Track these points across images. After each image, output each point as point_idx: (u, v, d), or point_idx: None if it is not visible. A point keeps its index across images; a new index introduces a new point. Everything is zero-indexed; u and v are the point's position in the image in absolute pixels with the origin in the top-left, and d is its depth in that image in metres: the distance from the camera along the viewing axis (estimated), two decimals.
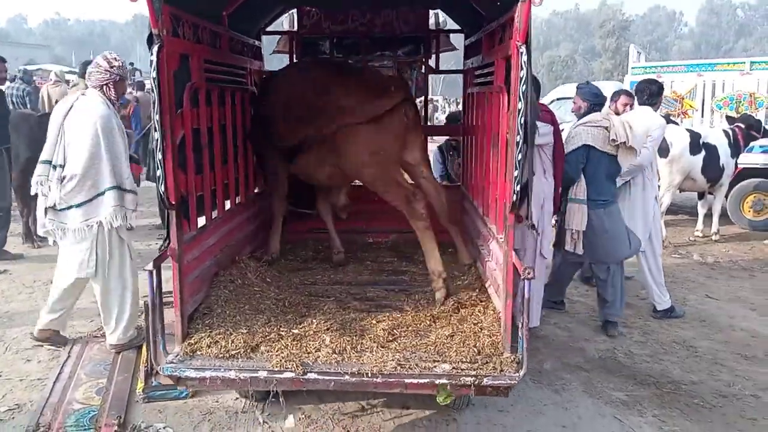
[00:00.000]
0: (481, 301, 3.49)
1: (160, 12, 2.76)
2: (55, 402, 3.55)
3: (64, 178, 3.91)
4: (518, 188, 2.70)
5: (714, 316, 5.34)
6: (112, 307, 4.16)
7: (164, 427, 3.39)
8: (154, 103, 2.77)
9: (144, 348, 3.80)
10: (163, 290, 2.93)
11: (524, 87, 2.61)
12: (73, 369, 3.96)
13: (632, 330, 4.99)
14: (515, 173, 2.69)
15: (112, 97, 4.08)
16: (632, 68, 10.03)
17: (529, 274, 2.67)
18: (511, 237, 2.87)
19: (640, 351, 4.59)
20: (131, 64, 13.44)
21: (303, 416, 3.54)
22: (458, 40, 5.37)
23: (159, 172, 2.84)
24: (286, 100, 4.10)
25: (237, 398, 3.70)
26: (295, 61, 5.32)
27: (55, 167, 3.93)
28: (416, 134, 4.10)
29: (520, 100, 2.63)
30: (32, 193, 4.03)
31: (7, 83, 11.25)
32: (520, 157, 2.66)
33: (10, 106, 10.10)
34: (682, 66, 10.10)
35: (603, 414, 3.70)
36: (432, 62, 5.46)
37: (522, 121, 2.64)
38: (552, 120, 4.43)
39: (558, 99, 10.59)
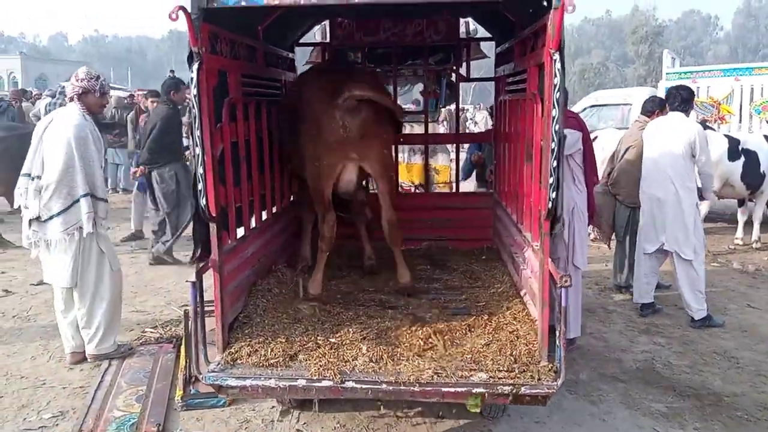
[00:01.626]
0: (517, 310, 3.48)
1: (199, 30, 2.83)
2: (96, 409, 3.63)
3: (41, 188, 4.02)
4: (554, 195, 2.70)
5: (756, 326, 5.20)
6: (89, 317, 4.22)
7: None
8: (194, 118, 2.84)
9: (182, 356, 3.88)
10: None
11: (558, 94, 2.62)
12: (114, 377, 4.05)
13: (671, 340, 4.89)
14: (550, 180, 2.69)
15: (83, 109, 4.16)
16: (667, 74, 9.90)
17: (566, 282, 2.66)
18: (547, 245, 2.86)
19: (679, 362, 4.50)
20: (171, 71, 13.80)
21: (338, 425, 3.56)
22: (489, 48, 5.37)
23: (200, 186, 2.90)
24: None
25: (273, 407, 3.74)
26: None
27: (33, 178, 4.05)
28: (368, 145, 3.82)
29: (554, 107, 2.64)
30: (14, 206, 4.08)
31: (48, 99, 11.71)
32: (555, 164, 2.67)
33: None
34: (719, 70, 9.93)
35: (641, 426, 3.63)
36: (463, 70, 5.47)
37: (556, 128, 2.65)
38: (580, 126, 4.39)
39: (591, 106, 10.49)
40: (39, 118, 11.04)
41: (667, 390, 4.06)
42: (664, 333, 5.04)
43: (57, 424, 3.55)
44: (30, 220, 4.05)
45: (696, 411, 3.80)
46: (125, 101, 11.94)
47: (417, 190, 6.52)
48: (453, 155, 5.65)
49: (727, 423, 3.66)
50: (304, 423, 3.58)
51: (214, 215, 3.01)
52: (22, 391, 3.94)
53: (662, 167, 5.11)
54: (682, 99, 5.19)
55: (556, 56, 2.61)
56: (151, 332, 4.88)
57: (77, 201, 4.05)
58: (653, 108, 5.68)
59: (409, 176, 6.43)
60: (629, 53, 62.88)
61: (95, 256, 4.18)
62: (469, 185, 6.53)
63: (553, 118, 2.64)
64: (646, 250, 5.29)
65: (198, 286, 2.93)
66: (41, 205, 4.02)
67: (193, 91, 2.80)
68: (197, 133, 2.84)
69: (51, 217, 4.03)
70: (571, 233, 4.38)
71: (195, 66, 2.80)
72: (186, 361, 3.80)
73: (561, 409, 3.79)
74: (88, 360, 4.30)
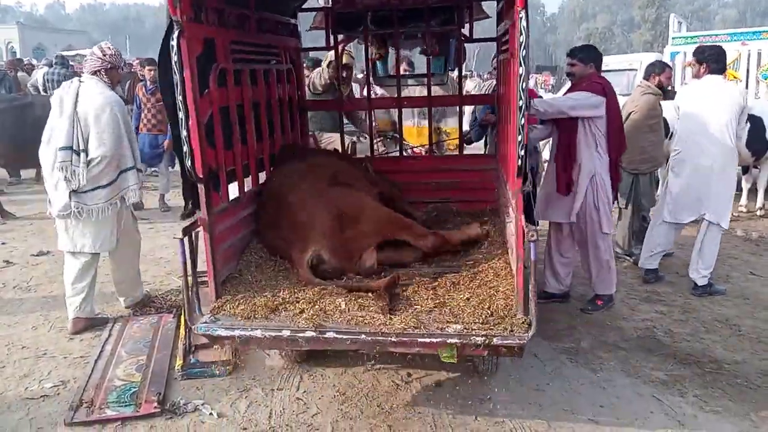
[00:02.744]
0: (500, 267, 3.52)
1: (179, 0, 2.87)
2: (97, 379, 3.65)
3: (90, 161, 4.12)
4: (522, 153, 2.77)
5: (758, 293, 5.18)
6: (125, 274, 4.63)
7: (202, 404, 3.45)
8: (176, 85, 2.86)
9: (182, 326, 3.88)
10: None
11: (524, 52, 2.66)
12: (114, 347, 4.06)
13: (672, 308, 4.88)
14: (518, 138, 2.75)
15: (108, 83, 4.31)
16: (673, 38, 9.74)
17: (532, 236, 2.73)
18: (520, 202, 2.92)
19: (681, 329, 4.49)
20: None
21: (337, 393, 3.57)
22: (492, 8, 5.23)
23: (185, 149, 2.96)
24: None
25: (273, 376, 3.76)
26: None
27: (78, 153, 4.11)
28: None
29: (520, 65, 2.69)
30: (51, 180, 4.19)
31: (45, 68, 11.56)
32: (522, 122, 2.72)
33: (47, 92, 10.37)
34: (726, 35, 9.74)
35: (641, 393, 3.63)
36: (466, 32, 5.33)
37: (523, 87, 2.70)
38: (604, 91, 4.34)
39: None
40: (36, 88, 10.97)
41: (667, 358, 4.06)
42: (665, 301, 5.03)
43: (58, 393, 3.57)
44: (70, 192, 4.12)
45: (696, 378, 3.80)
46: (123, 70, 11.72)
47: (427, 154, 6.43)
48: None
49: (728, 390, 3.66)
50: (304, 391, 3.59)
51: (201, 176, 3.09)
52: (23, 360, 3.95)
53: (709, 134, 4.92)
54: (716, 60, 5.00)
55: (522, 14, 2.66)
56: (152, 303, 4.88)
57: (124, 172, 4.29)
58: (652, 71, 5.59)
59: (419, 140, 6.33)
60: (636, 18, 62.01)
61: (130, 221, 4.56)
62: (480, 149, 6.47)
63: (519, 76, 2.70)
64: (681, 220, 5.16)
65: (188, 243, 3.06)
66: (88, 177, 4.12)
67: (174, 58, 2.85)
68: (179, 98, 2.91)
69: (95, 188, 4.17)
70: (595, 200, 4.44)
71: (175, 34, 2.85)
72: (185, 331, 3.81)
73: (561, 377, 3.80)
74: (129, 309, 4.71)
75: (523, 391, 3.62)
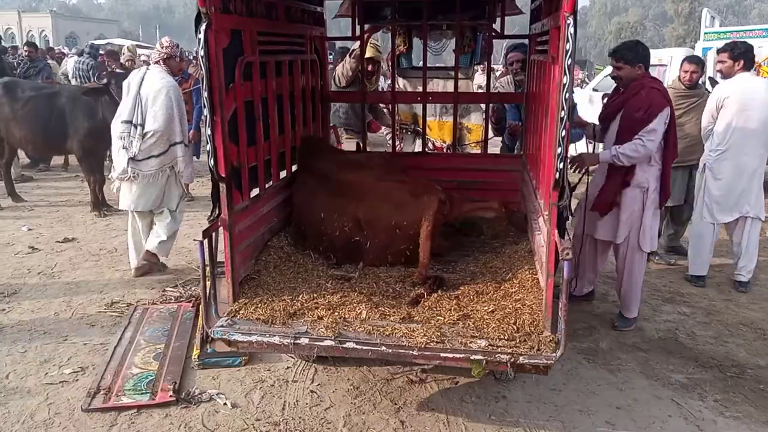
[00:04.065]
0: (526, 278, 3.40)
1: None
2: (115, 366, 3.70)
3: (146, 134, 4.88)
4: (560, 165, 2.62)
5: None
6: (167, 229, 5.20)
7: (217, 394, 3.48)
8: (202, 80, 2.81)
9: (200, 315, 3.91)
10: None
11: (569, 60, 2.51)
12: (134, 335, 4.11)
13: (696, 310, 4.78)
14: (558, 150, 2.61)
15: (167, 70, 5.11)
16: (705, 33, 9.49)
17: (567, 254, 2.60)
18: (554, 215, 2.78)
19: (704, 332, 4.40)
20: None
21: (351, 387, 3.56)
22: (525, 2, 5.13)
23: (208, 147, 2.89)
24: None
25: (288, 367, 3.77)
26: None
27: (135, 126, 4.89)
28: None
29: (565, 74, 2.54)
30: (115, 147, 5.01)
31: (75, 57, 11.72)
32: (563, 133, 2.58)
33: (76, 81, 10.52)
34: (761, 30, 9.47)
35: (660, 396, 3.57)
36: (497, 27, 5.24)
37: (566, 96, 2.55)
38: (665, 98, 4.01)
39: None
40: (67, 77, 11.14)
41: (688, 360, 3.98)
42: (689, 302, 4.93)
43: (77, 380, 3.62)
44: (128, 159, 4.90)
45: (718, 382, 3.72)
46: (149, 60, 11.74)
47: (448, 150, 6.36)
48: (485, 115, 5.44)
49: (749, 396, 3.57)
50: (318, 384, 3.60)
51: (223, 175, 3.01)
52: (44, 346, 4.02)
53: (752, 132, 4.86)
54: (750, 56, 4.94)
55: (570, 20, 2.50)
56: (172, 291, 4.93)
57: (173, 146, 5.00)
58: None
59: (440, 134, 6.27)
60: (668, 12, 60.70)
61: (175, 185, 5.21)
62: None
63: (563, 85, 2.55)
64: (721, 220, 5.11)
65: (208, 245, 2.98)
66: (142, 147, 4.89)
67: (201, 52, 2.76)
68: (205, 94, 2.82)
69: (149, 157, 4.94)
70: (640, 215, 4.15)
71: (202, 27, 2.78)
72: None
73: (578, 378, 3.74)
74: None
75: (539, 390, 3.58)
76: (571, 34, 2.48)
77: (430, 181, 4.03)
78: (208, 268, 3.00)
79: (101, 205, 7.30)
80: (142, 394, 3.42)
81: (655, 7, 70.30)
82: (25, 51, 9.97)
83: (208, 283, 3.04)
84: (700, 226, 5.25)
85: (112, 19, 75.15)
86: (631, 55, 4.07)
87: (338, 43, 8.23)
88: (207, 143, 2.94)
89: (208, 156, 2.96)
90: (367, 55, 5.47)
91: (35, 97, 7.24)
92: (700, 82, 5.72)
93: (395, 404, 3.41)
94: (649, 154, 4.00)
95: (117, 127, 4.99)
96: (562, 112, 2.56)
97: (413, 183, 3.95)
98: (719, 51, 5.14)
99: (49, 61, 11.75)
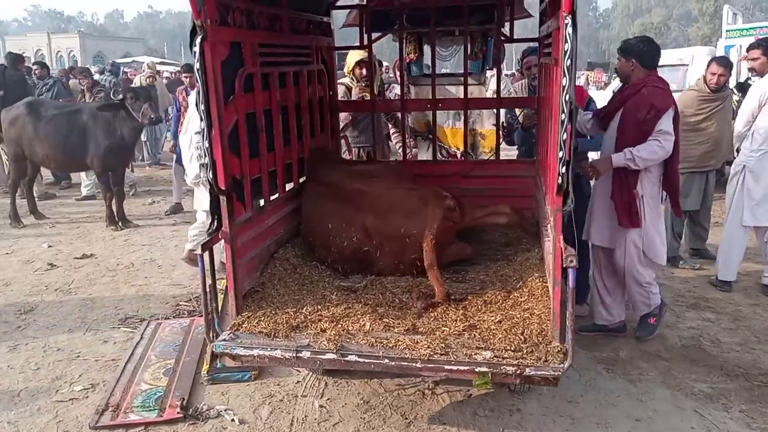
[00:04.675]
0: (536, 286, 3.28)
1: (202, 3, 2.77)
2: (125, 382, 3.68)
3: None
4: (563, 170, 2.52)
5: None
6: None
7: (225, 410, 3.44)
8: (198, 93, 2.78)
9: None
10: None
11: (568, 62, 2.42)
12: (145, 350, 4.10)
13: (721, 316, 4.61)
14: (560, 154, 2.51)
15: None
16: (727, 31, 9.27)
17: (571, 262, 2.50)
18: (559, 221, 2.67)
19: (729, 339, 4.23)
20: None
21: (361, 401, 3.49)
22: (535, 7, 5.04)
23: (206, 160, 2.87)
24: None
25: (298, 382, 3.72)
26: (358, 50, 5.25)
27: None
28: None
29: (564, 75, 2.45)
30: (187, 156, 5.36)
31: (97, 75, 11.94)
32: (565, 136, 2.48)
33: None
34: None
35: (682, 407, 3.42)
36: (506, 31, 5.15)
37: (566, 98, 2.46)
38: (671, 100, 3.82)
39: None
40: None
41: (713, 369, 3.82)
42: (714, 308, 4.76)
43: (87, 396, 3.62)
44: (200, 165, 5.10)
45: (743, 392, 3.56)
46: (173, 77, 11.94)
47: (461, 157, 6.27)
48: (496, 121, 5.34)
49: None
50: (328, 399, 3.54)
51: (223, 188, 2.98)
52: (57, 363, 4.03)
53: None
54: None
55: (568, 20, 2.40)
56: (185, 305, 4.93)
57: None
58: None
59: (453, 141, 6.18)
60: (693, 11, 59.82)
61: None
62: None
63: (563, 87, 2.46)
64: (763, 223, 4.95)
65: (209, 258, 2.95)
66: None
67: (196, 65, 2.73)
68: (201, 107, 2.78)
69: None
70: (644, 224, 3.93)
71: (198, 39, 2.75)
72: None
73: (596, 389, 3.62)
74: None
75: (555, 403, 3.47)
76: (569, 34, 2.39)
77: (440, 188, 3.95)
78: (209, 282, 2.96)
79: (119, 219, 7.37)
80: (150, 410, 3.39)
81: (679, 7, 69.31)
82: (36, 70, 10.16)
83: (210, 298, 3.00)
84: (733, 230, 5.08)
85: (138, 37, 76.70)
86: (637, 48, 3.90)
87: (387, 56, 8.16)
88: (205, 156, 2.90)
89: (207, 169, 2.93)
90: (357, 58, 5.43)
91: (57, 115, 7.36)
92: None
93: (406, 419, 3.33)
94: (665, 157, 3.83)
95: (185, 140, 5.41)
96: (563, 115, 2.47)
97: (423, 191, 3.88)
98: (749, 48, 4.98)
99: (71, 81, 11.99)
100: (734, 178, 5.06)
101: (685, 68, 9.35)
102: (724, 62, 5.38)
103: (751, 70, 5.06)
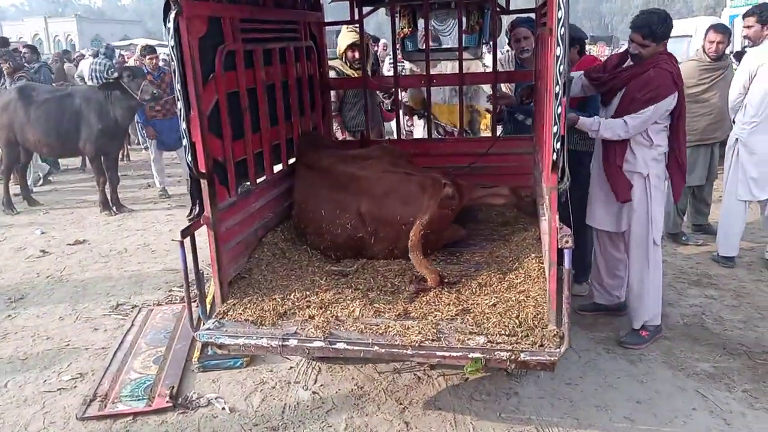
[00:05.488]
0: (532, 267, 3.17)
1: None
2: (114, 371, 3.61)
3: None
4: (558, 146, 2.39)
5: None
6: None
7: (216, 398, 3.36)
8: (174, 72, 2.65)
9: None
10: None
11: (562, 30, 2.28)
12: (135, 338, 4.02)
13: (725, 293, 4.51)
14: (554, 129, 2.38)
15: None
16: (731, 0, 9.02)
17: (567, 242, 2.39)
18: (554, 199, 2.55)
19: (732, 316, 4.13)
20: None
21: (356, 387, 3.41)
22: None
23: (185, 142, 2.74)
24: None
25: (291, 367, 3.64)
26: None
27: None
28: None
29: (558, 44, 2.31)
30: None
31: (91, 59, 11.74)
32: (559, 110, 2.35)
33: (92, 81, 10.52)
34: None
35: (684, 388, 3.34)
36: (502, 3, 4.96)
37: (560, 69, 2.32)
38: (675, 82, 3.51)
39: None
40: (83, 79, 11.18)
41: (715, 348, 3.73)
42: (717, 284, 4.66)
43: (75, 386, 3.54)
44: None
45: (746, 371, 3.47)
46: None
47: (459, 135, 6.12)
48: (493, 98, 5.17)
49: None
50: (321, 385, 3.46)
51: (203, 171, 2.86)
52: (46, 351, 3.96)
53: None
54: None
55: None
56: (178, 291, 4.84)
57: None
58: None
59: (450, 119, 6.02)
60: None
61: None
62: None
63: (557, 57, 2.32)
64: (760, 197, 4.84)
65: (191, 245, 2.84)
66: None
67: (171, 42, 2.59)
68: (177, 86, 2.65)
69: None
70: (648, 207, 3.68)
71: (171, 14, 2.60)
72: None
73: (596, 369, 3.54)
74: None
75: (553, 385, 3.38)
76: (562, 1, 2.25)
77: (437, 171, 3.81)
78: (191, 269, 2.86)
79: (112, 204, 7.28)
80: (138, 400, 3.32)
81: None
82: (25, 53, 9.95)
83: (192, 286, 2.91)
84: (731, 205, 4.94)
85: (136, 19, 75.99)
86: (660, 30, 3.48)
87: (381, 32, 7.93)
88: (184, 138, 2.78)
89: (186, 152, 2.81)
90: (348, 41, 5.23)
91: (49, 99, 7.22)
92: (726, 52, 5.39)
93: (400, 404, 3.25)
94: (626, 138, 3.58)
95: None
96: (557, 87, 2.34)
97: (421, 176, 3.74)
98: (745, 15, 4.80)
99: (66, 65, 11.83)
100: (729, 151, 4.92)
101: (689, 39, 9.15)
102: (722, 29, 5.22)
103: (746, 37, 4.88)
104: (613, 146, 3.65)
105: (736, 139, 4.79)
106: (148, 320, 4.29)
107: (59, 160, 9.92)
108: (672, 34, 3.72)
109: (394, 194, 3.57)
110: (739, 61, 5.11)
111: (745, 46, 5.08)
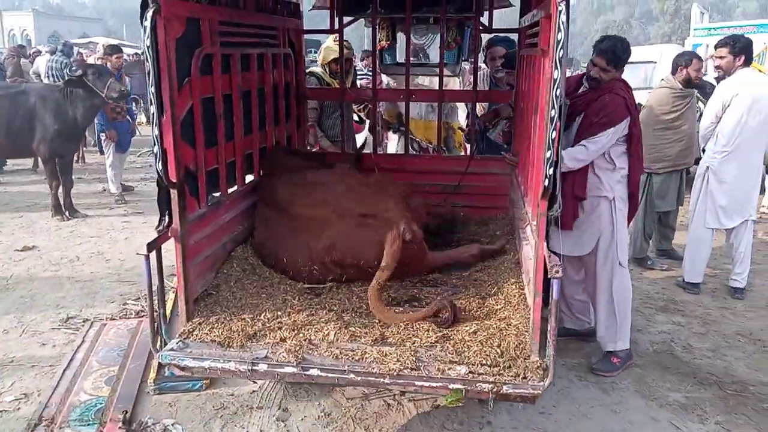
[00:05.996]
0: (513, 293, 3.06)
1: None
2: (62, 392, 3.36)
3: None
4: (551, 171, 2.31)
5: None
6: None
7: (173, 423, 3.16)
8: (148, 74, 2.48)
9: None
10: None
11: (561, 53, 2.19)
12: (86, 355, 3.77)
13: (691, 319, 4.52)
14: (548, 154, 2.29)
15: None
16: (695, 29, 9.27)
17: (557, 272, 2.29)
18: (543, 226, 2.46)
19: (701, 344, 4.13)
20: None
21: (322, 414, 3.26)
22: None
23: (156, 149, 2.57)
24: None
25: (253, 391, 3.46)
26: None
27: None
28: None
29: (555, 68, 2.22)
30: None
31: (48, 56, 11.31)
32: (554, 135, 2.26)
33: (48, 79, 10.12)
34: (752, 26, 9.27)
35: (657, 419, 3.29)
36: (485, 21, 4.90)
37: (557, 93, 2.24)
38: (628, 108, 3.52)
39: None
40: (39, 75, 10.73)
41: (686, 377, 3.71)
42: (684, 311, 4.67)
43: (18, 408, 3.29)
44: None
45: (718, 402, 3.45)
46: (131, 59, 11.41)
47: (434, 152, 6.03)
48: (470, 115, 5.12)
49: (753, 417, 3.31)
50: (285, 410, 3.29)
51: (173, 181, 2.69)
52: None
53: (760, 131, 4.67)
54: (750, 52, 4.72)
55: (562, 6, 2.18)
56: (133, 305, 4.59)
57: None
58: (678, 64, 5.20)
59: (426, 134, 5.93)
60: (654, 10, 60.87)
61: None
62: None
63: (554, 80, 2.23)
64: (727, 225, 4.87)
65: (157, 259, 2.66)
66: None
67: (147, 42, 2.43)
68: (151, 89, 2.48)
69: None
70: (613, 230, 3.66)
71: (149, 13, 2.44)
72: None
73: (569, 398, 3.47)
74: None
75: (527, 415, 3.29)
76: (563, 22, 2.16)
77: (399, 207, 3.54)
78: (156, 285, 2.67)
79: (65, 208, 6.94)
80: (88, 425, 3.09)
81: (641, 5, 70.39)
82: None
83: (156, 304, 2.71)
84: (698, 232, 4.97)
85: (96, 17, 74.20)
86: (624, 57, 3.54)
87: (364, 45, 7.82)
88: (154, 144, 2.60)
89: (156, 159, 2.63)
90: (330, 57, 5.12)
91: (1, 96, 6.84)
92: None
93: None
94: (586, 162, 3.55)
95: None
96: (553, 111, 2.25)
97: (374, 221, 3.38)
98: (717, 46, 4.85)
99: (22, 60, 11.34)
100: (698, 179, 4.96)
101: (652, 66, 9.33)
102: (701, 58, 5.35)
103: (718, 68, 4.94)
104: (572, 175, 3.56)
105: (707, 167, 4.83)
106: (101, 336, 4.03)
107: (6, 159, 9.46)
108: (634, 60, 3.71)
109: (353, 240, 3.33)
110: (699, 90, 5.22)
111: (717, 77, 5.14)
